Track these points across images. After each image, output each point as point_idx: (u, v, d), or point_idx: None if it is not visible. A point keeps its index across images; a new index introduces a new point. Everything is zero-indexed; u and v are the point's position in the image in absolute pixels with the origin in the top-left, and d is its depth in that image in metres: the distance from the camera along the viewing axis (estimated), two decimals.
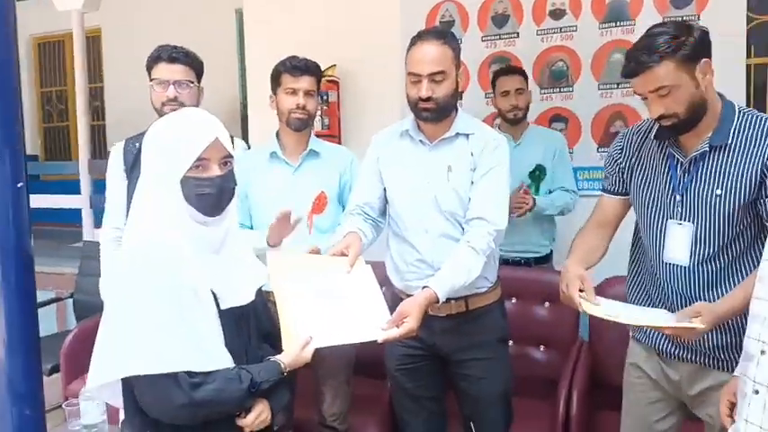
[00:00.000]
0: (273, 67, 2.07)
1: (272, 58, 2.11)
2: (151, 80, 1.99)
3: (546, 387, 2.30)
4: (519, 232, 2.62)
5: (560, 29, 2.95)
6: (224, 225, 1.26)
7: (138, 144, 2.05)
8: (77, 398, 1.88)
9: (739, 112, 1.49)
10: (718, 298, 1.48)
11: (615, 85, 2.83)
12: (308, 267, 1.57)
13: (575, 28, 2.92)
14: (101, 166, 4.47)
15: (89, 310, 3.24)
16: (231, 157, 1.25)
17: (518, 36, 3.03)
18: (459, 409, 1.94)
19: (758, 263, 1.47)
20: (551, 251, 2.74)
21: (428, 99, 1.70)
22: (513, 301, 2.51)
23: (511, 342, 2.41)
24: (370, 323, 1.51)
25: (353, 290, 1.57)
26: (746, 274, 1.48)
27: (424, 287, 1.62)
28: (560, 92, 2.97)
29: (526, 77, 2.69)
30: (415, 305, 1.55)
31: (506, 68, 2.77)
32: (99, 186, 4.29)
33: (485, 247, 1.70)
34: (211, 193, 1.20)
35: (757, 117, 1.48)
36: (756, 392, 1.18)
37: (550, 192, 2.68)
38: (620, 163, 1.67)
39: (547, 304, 2.51)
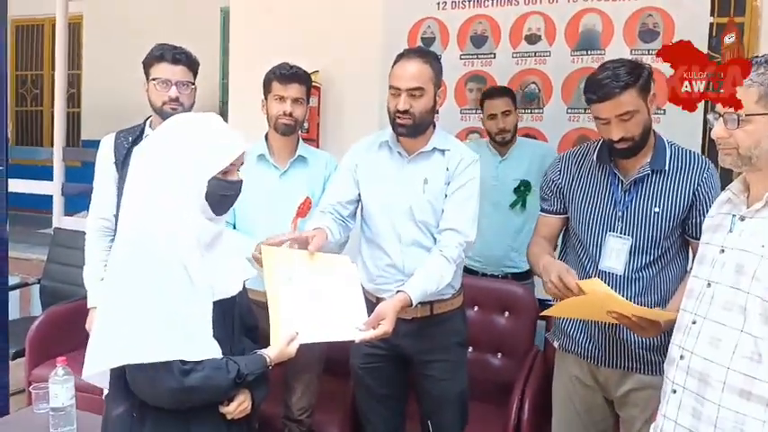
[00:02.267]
0: (266, 73, 2.13)
1: (256, 61, 2.17)
2: (152, 79, 2.03)
3: (501, 392, 2.39)
4: (496, 248, 2.73)
5: (535, 53, 3.08)
6: (222, 223, 1.38)
7: (130, 138, 2.08)
8: (45, 382, 1.92)
9: (669, 143, 1.74)
10: (648, 302, 1.68)
11: (582, 110, 2.98)
12: (297, 263, 1.63)
13: (548, 53, 3.06)
14: (74, 154, 4.48)
15: (56, 296, 3.25)
16: (242, 164, 1.37)
17: (494, 57, 3.15)
18: (419, 408, 2.04)
19: (680, 271, 1.72)
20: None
21: (405, 112, 1.80)
22: (475, 309, 2.62)
23: (470, 348, 2.54)
24: (349, 323, 1.58)
25: (338, 288, 1.64)
26: (672, 281, 1.71)
27: (399, 291, 1.70)
28: (531, 113, 3.10)
29: (514, 98, 2.80)
30: (391, 308, 1.64)
31: (493, 91, 2.86)
32: (70, 174, 4.27)
33: (455, 256, 1.81)
34: (233, 195, 1.33)
35: (685, 149, 1.73)
36: (674, 392, 1.34)
37: None
38: (560, 183, 1.86)
39: (506, 313, 2.62)
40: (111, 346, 1.23)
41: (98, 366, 1.26)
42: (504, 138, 2.76)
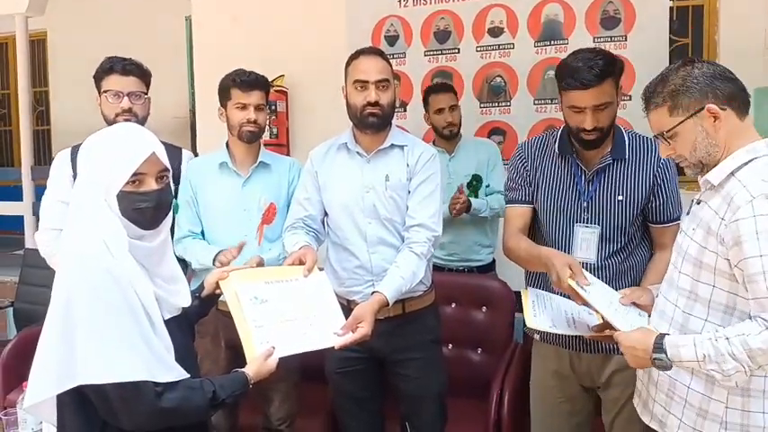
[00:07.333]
0: (221, 80, 2.09)
1: (221, 67, 2.14)
2: (103, 91, 2.01)
3: (481, 388, 2.38)
4: (461, 242, 2.74)
5: (498, 46, 3.09)
6: (159, 238, 1.26)
7: None
8: (15, 408, 1.88)
9: (627, 132, 1.75)
10: (618, 288, 1.66)
11: (549, 101, 3.00)
12: (262, 278, 1.58)
13: (512, 45, 3.07)
14: (44, 172, 4.39)
15: (30, 319, 3.18)
16: (168, 170, 1.26)
17: (459, 52, 3.16)
18: (398, 408, 2.02)
19: (647, 256, 1.77)
20: (494, 260, 2.85)
21: (375, 104, 1.81)
22: (453, 306, 2.62)
23: (450, 345, 2.53)
24: (327, 329, 1.55)
25: (309, 297, 1.60)
26: (640, 266, 1.75)
27: (374, 292, 1.70)
28: (498, 106, 3.11)
29: (456, 93, 2.81)
30: (368, 310, 1.63)
31: (438, 86, 2.87)
32: (41, 192, 4.18)
33: (425, 251, 1.82)
34: (149, 207, 1.20)
35: (643, 137, 1.74)
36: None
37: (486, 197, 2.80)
38: (528, 171, 1.82)
39: (484, 309, 2.61)
40: (71, 367, 1.12)
41: (51, 390, 1.16)
42: (452, 131, 2.76)
